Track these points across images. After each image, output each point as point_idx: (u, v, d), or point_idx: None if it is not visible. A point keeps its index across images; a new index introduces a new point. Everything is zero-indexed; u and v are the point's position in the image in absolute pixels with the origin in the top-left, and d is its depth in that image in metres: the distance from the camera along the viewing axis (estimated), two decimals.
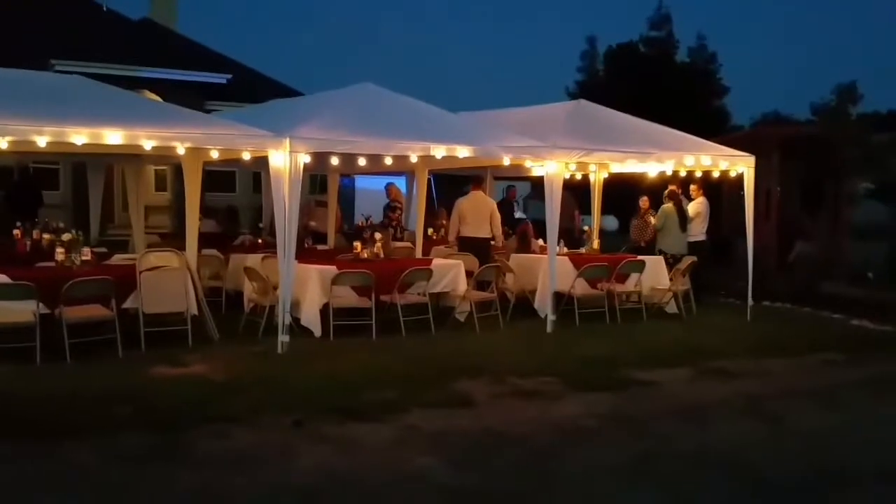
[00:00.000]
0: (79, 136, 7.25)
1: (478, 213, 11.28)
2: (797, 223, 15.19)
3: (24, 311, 7.33)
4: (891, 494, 4.96)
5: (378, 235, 10.43)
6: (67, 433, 5.45)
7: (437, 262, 10.06)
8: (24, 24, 21.68)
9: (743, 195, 11.19)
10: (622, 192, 14.23)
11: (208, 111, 14.23)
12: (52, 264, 8.29)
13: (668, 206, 12.07)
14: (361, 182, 19.38)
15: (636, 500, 4.78)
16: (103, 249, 10.00)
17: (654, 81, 36.79)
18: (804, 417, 6.56)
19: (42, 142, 7.20)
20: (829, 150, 14.38)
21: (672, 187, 12.17)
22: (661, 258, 11.33)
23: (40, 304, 7.33)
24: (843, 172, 14.65)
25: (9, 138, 7.19)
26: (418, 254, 11.86)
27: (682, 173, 12.03)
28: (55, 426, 5.60)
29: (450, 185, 16.68)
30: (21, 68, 9.34)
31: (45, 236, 9.90)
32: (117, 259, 9.37)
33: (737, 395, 7.16)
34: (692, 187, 12.42)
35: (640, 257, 11.16)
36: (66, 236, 8.60)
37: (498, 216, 11.47)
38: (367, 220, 15.87)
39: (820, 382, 7.75)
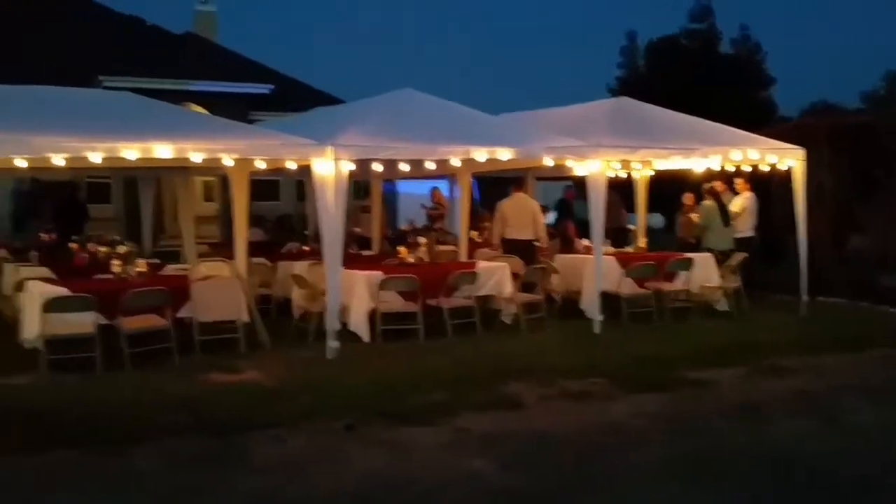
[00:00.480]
0: (130, 151, 7.44)
1: (521, 214, 11.28)
2: (851, 215, 14.85)
3: (84, 322, 7.53)
4: None
5: (422, 240, 10.49)
6: (128, 440, 5.60)
7: (482, 265, 10.08)
8: (71, 42, 22.25)
9: (792, 189, 11.00)
10: (668, 189, 14.10)
11: (252, 121, 14.43)
12: (109, 276, 8.50)
13: (708, 202, 11.93)
14: (404, 187, 19.49)
15: (691, 501, 4.75)
16: (156, 261, 10.22)
17: (697, 75, 36.31)
18: (861, 414, 6.44)
19: (96, 158, 7.39)
20: (880, 139, 14.05)
21: (711, 183, 12.00)
22: (710, 255, 11.19)
23: (99, 316, 7.53)
24: None
25: (63, 155, 7.39)
26: (463, 257, 11.89)
27: (729, 168, 11.86)
28: (117, 433, 5.75)
29: (493, 187, 16.70)
30: (70, 85, 9.60)
31: (101, 249, 10.15)
32: (170, 270, 9.57)
33: (792, 392, 7.06)
34: (738, 182, 12.26)
35: (688, 255, 11.05)
36: (121, 248, 8.82)
37: (541, 217, 11.46)
38: (411, 224, 15.96)
39: (877, 379, 7.60)
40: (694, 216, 12.39)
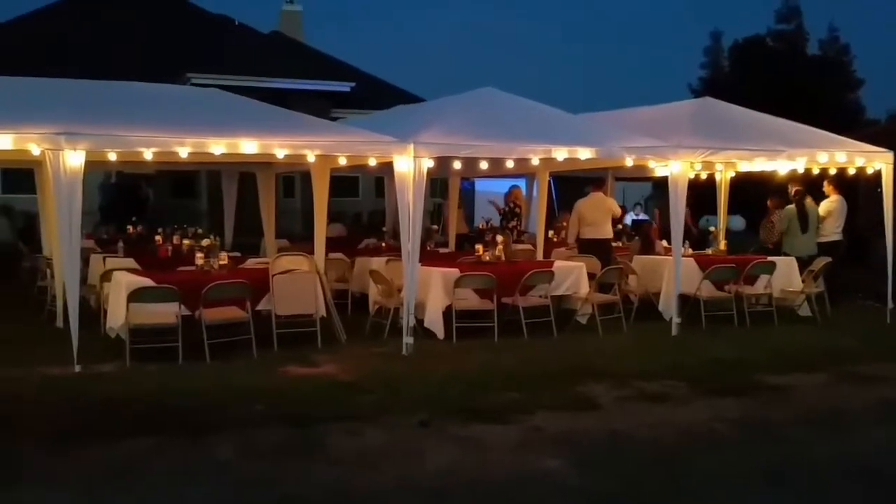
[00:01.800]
0: (218, 147, 7.65)
1: (598, 213, 11.20)
2: None
3: (167, 312, 7.77)
4: None
5: (499, 238, 10.50)
6: (209, 429, 5.76)
7: (558, 265, 10.03)
8: (162, 41, 22.99)
9: (880, 192, 10.63)
10: (750, 191, 13.78)
11: (334, 119, 14.67)
12: (191, 268, 8.75)
13: (790, 207, 11.61)
14: (481, 185, 19.52)
15: None
16: (237, 254, 10.49)
17: (784, 76, 35.35)
18: None
19: (184, 153, 7.63)
20: None
21: (796, 187, 11.67)
22: (792, 259, 10.90)
23: (182, 306, 7.77)
24: None
25: (153, 150, 7.65)
26: (539, 256, 11.85)
27: (815, 171, 11.53)
28: (198, 422, 5.92)
29: (570, 186, 16.59)
30: (160, 82, 9.93)
31: (185, 242, 10.48)
32: (251, 263, 9.81)
33: (876, 400, 6.84)
34: (826, 185, 11.90)
35: (770, 258, 10.79)
36: (204, 241, 9.08)
37: (618, 215, 11.33)
38: (487, 222, 15.98)
39: None
40: (774, 219, 12.08)
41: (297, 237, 14.69)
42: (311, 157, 8.27)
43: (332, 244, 11.03)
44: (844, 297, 11.60)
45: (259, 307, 8.40)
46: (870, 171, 10.81)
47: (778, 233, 11.87)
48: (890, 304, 10.42)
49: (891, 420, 6.33)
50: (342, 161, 8.72)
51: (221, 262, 8.78)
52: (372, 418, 6.08)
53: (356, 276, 10.88)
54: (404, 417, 6.11)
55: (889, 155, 10.59)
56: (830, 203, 11.83)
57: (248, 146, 7.71)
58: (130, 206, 16.27)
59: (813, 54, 40.23)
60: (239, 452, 5.39)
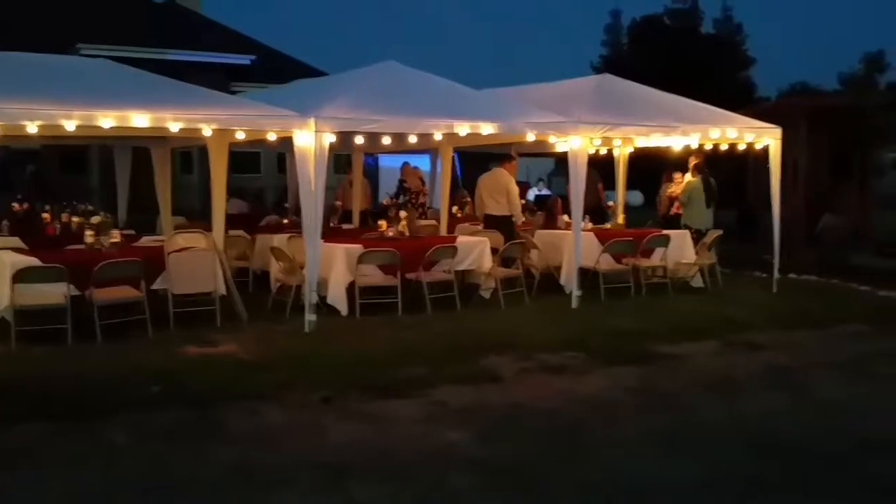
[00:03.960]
0: (106, 120, 7.33)
1: (495, 190, 11.26)
2: (824, 195, 15.02)
3: (54, 293, 7.45)
4: None
5: (403, 213, 10.47)
6: (99, 412, 5.57)
7: (461, 240, 10.09)
8: (51, 9, 21.88)
9: (769, 167, 11.08)
10: (648, 166, 14.15)
11: (233, 93, 14.30)
12: (81, 247, 8.41)
13: (693, 179, 11.96)
14: (385, 161, 19.42)
15: (664, 470, 4.80)
16: (131, 231, 10.13)
17: (680, 54, 36.39)
18: (832, 388, 6.54)
19: (70, 126, 7.28)
20: (856, 121, 14.18)
21: (698, 160, 12.01)
22: (686, 232, 11.26)
23: (71, 287, 7.45)
24: (871, 142, 14.46)
25: (38, 122, 7.27)
26: (443, 231, 11.89)
27: (708, 146, 11.90)
28: (89, 405, 5.71)
29: (478, 161, 16.68)
30: (48, 52, 9.45)
31: (75, 219, 10.05)
32: (145, 241, 9.50)
33: (764, 367, 7.16)
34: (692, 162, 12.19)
35: (665, 231, 11.11)
36: (95, 219, 8.74)
37: (515, 192, 11.39)
38: (392, 198, 15.91)
39: (847, 354, 7.70)
40: (673, 188, 12.42)
41: (196, 214, 14.30)
42: (207, 132, 8.02)
43: (232, 221, 10.75)
44: (734, 268, 12.09)
45: (155, 286, 8.14)
46: (759, 146, 11.24)
47: (676, 204, 12.24)
48: (777, 275, 10.90)
49: (775, 385, 6.62)
50: (240, 136, 8.50)
51: (113, 241, 8.46)
52: (273, 397, 6.00)
53: (257, 253, 10.70)
54: (306, 395, 6.05)
55: (777, 131, 11.03)
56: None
57: (140, 119, 7.42)
58: (13, 182, 15.46)
59: (707, 33, 41.55)
60: (133, 436, 5.24)
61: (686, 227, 11.58)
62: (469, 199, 14.47)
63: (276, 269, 9.57)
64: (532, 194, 18.24)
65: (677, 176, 12.66)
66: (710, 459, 4.98)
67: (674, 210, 12.57)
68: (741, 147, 11.47)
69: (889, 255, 13.61)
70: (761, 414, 5.88)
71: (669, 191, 12.87)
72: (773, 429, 5.55)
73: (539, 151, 14.41)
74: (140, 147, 11.22)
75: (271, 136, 8.46)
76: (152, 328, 7.80)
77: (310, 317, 8.18)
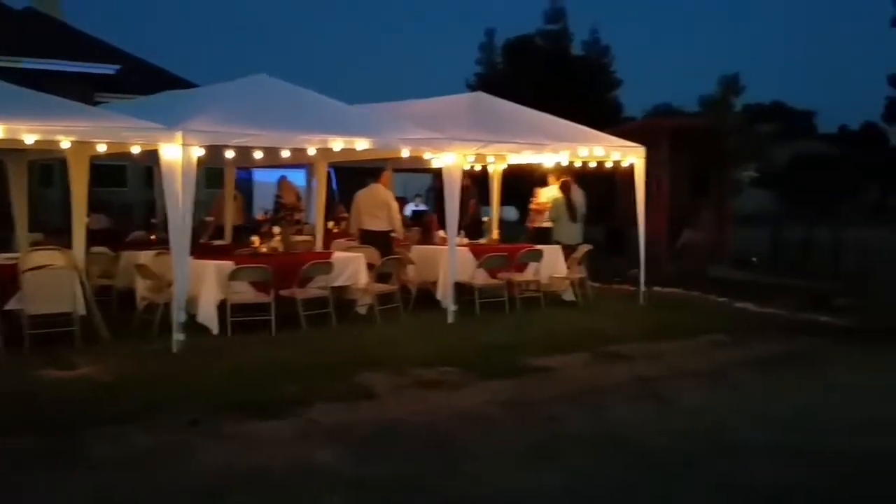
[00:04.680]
0: None
1: (374, 205, 11.27)
2: (685, 211, 15.78)
3: None
4: (770, 465, 5.22)
5: (277, 229, 10.29)
6: None
7: (337, 256, 10.01)
8: None
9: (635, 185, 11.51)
10: (521, 182, 14.46)
11: (97, 104, 13.70)
12: None
13: (558, 196, 12.33)
14: (260, 175, 19.07)
15: (535, 482, 4.89)
16: None
17: (551, 74, 37.48)
18: (693, 396, 6.82)
19: None
20: (713, 141, 14.97)
21: (562, 178, 12.39)
22: (558, 247, 11.56)
23: None
24: (728, 162, 15.29)
25: None
26: (319, 247, 11.75)
27: (577, 163, 12.27)
28: None
29: (354, 177, 16.59)
30: None
31: None
32: None
33: (630, 377, 7.40)
34: (550, 178, 12.59)
35: (538, 247, 11.37)
36: None
37: (395, 208, 11.48)
38: (266, 213, 15.62)
39: (707, 363, 8.06)
40: (534, 202, 12.73)
41: (55, 230, 13.59)
42: (65, 144, 7.65)
43: (95, 237, 10.36)
44: (604, 282, 12.50)
45: (8, 307, 7.69)
46: (625, 164, 11.69)
47: (550, 220, 12.56)
48: (643, 288, 11.33)
49: (642, 394, 6.85)
50: (102, 148, 8.14)
51: None
52: (137, 421, 5.74)
53: (122, 271, 10.28)
54: (173, 418, 5.82)
55: (641, 150, 11.50)
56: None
57: None
58: None
59: (577, 54, 42.95)
60: None
61: (557, 242, 11.90)
62: (346, 215, 14.39)
63: (142, 287, 9.22)
64: (409, 210, 18.31)
65: (537, 190, 13.02)
66: (578, 468, 5.11)
67: (536, 224, 12.90)
68: (609, 165, 11.90)
69: (744, 267, 14.43)
70: (628, 423, 6.07)
71: (531, 205, 13.22)
72: (638, 436, 5.74)
73: (416, 167, 14.52)
74: None
75: (136, 150, 8.15)
76: (6, 351, 7.34)
77: (178, 336, 7.90)
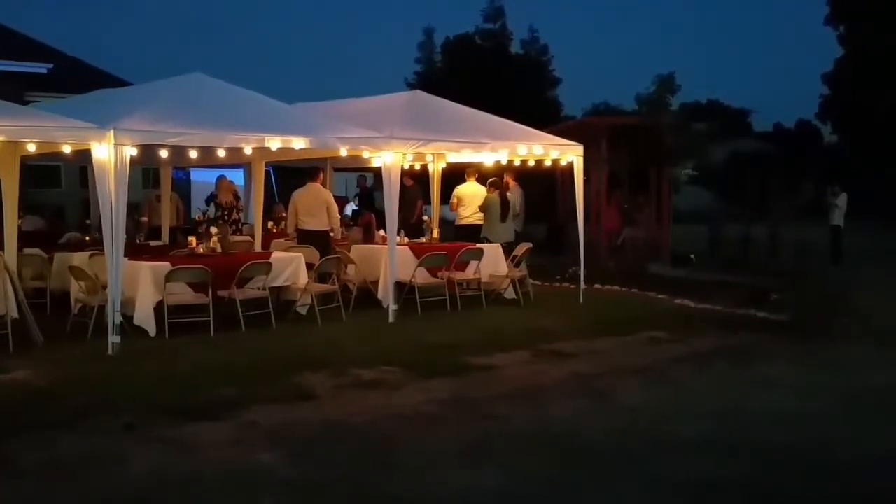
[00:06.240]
0: None
1: (314, 205, 11.19)
2: (624, 209, 16.03)
3: None
4: (707, 460, 5.33)
5: (214, 230, 10.16)
6: None
7: (276, 256, 9.92)
8: None
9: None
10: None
11: (27, 103, 13.34)
12: None
13: (491, 195, 12.40)
14: (197, 175, 18.77)
15: (475, 480, 4.91)
16: None
17: (490, 73, 37.67)
18: (632, 393, 6.92)
19: None
20: (650, 139, 15.21)
21: (497, 178, 12.48)
22: (498, 246, 11.62)
23: None
24: (665, 160, 15.55)
25: None
26: (258, 247, 11.63)
27: (517, 162, 12.38)
28: None
29: (293, 177, 16.44)
30: None
31: None
32: None
33: (570, 374, 7.48)
34: (468, 175, 12.68)
35: (479, 245, 11.42)
36: None
37: (335, 207, 11.42)
38: (204, 214, 15.38)
39: (646, 359, 8.17)
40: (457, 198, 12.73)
41: None
42: None
43: (27, 239, 10.12)
44: (544, 280, 12.60)
45: None
46: (564, 162, 11.81)
47: (483, 219, 12.61)
48: (583, 286, 11.46)
49: (580, 392, 6.93)
50: (31, 148, 7.95)
51: None
52: (69, 426, 5.62)
53: (56, 272, 10.04)
54: (107, 422, 5.71)
55: (579, 148, 11.63)
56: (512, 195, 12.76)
57: None
58: None
59: (516, 53, 43.25)
60: None
61: (486, 239, 11.93)
62: (286, 214, 14.25)
63: (76, 289, 9.02)
64: (349, 209, 18.21)
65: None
66: (516, 466, 5.15)
67: (459, 221, 12.89)
68: (548, 163, 12.01)
69: (683, 264, 14.70)
70: (566, 419, 6.14)
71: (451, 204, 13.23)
72: (577, 433, 5.80)
73: (356, 166, 14.46)
74: None
75: (67, 149, 7.97)
76: None
77: (113, 339, 7.76)
